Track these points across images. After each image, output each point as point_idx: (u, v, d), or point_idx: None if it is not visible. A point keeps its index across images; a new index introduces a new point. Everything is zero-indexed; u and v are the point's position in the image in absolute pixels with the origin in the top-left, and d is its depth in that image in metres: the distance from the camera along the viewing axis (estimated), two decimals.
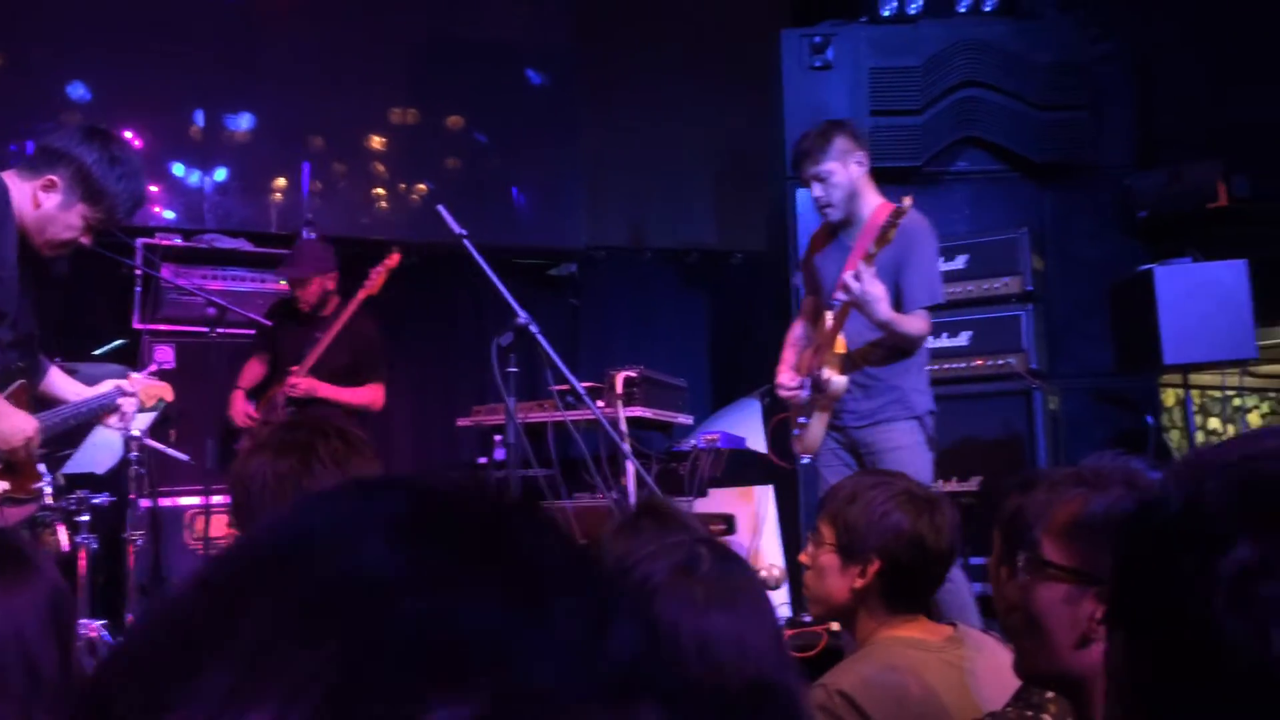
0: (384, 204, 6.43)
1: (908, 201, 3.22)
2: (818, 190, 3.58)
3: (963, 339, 4.71)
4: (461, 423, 4.79)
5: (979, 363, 4.64)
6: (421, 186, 6.45)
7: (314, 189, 6.25)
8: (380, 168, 6.44)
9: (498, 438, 4.64)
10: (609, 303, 6.62)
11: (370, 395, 4.61)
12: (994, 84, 5.48)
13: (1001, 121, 5.50)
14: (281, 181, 6.23)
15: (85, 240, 2.77)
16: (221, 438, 4.61)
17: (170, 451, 3.90)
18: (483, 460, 4.69)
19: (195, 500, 4.67)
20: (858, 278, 3.27)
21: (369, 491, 0.45)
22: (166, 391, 3.15)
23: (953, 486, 4.41)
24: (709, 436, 4.22)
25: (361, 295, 4.58)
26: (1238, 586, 0.70)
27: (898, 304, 3.47)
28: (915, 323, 3.46)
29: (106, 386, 2.99)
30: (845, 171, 3.56)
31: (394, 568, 0.40)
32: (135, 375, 3.13)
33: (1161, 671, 0.74)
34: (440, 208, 3.08)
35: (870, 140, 5.45)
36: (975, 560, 3.83)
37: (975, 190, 5.60)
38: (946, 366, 4.70)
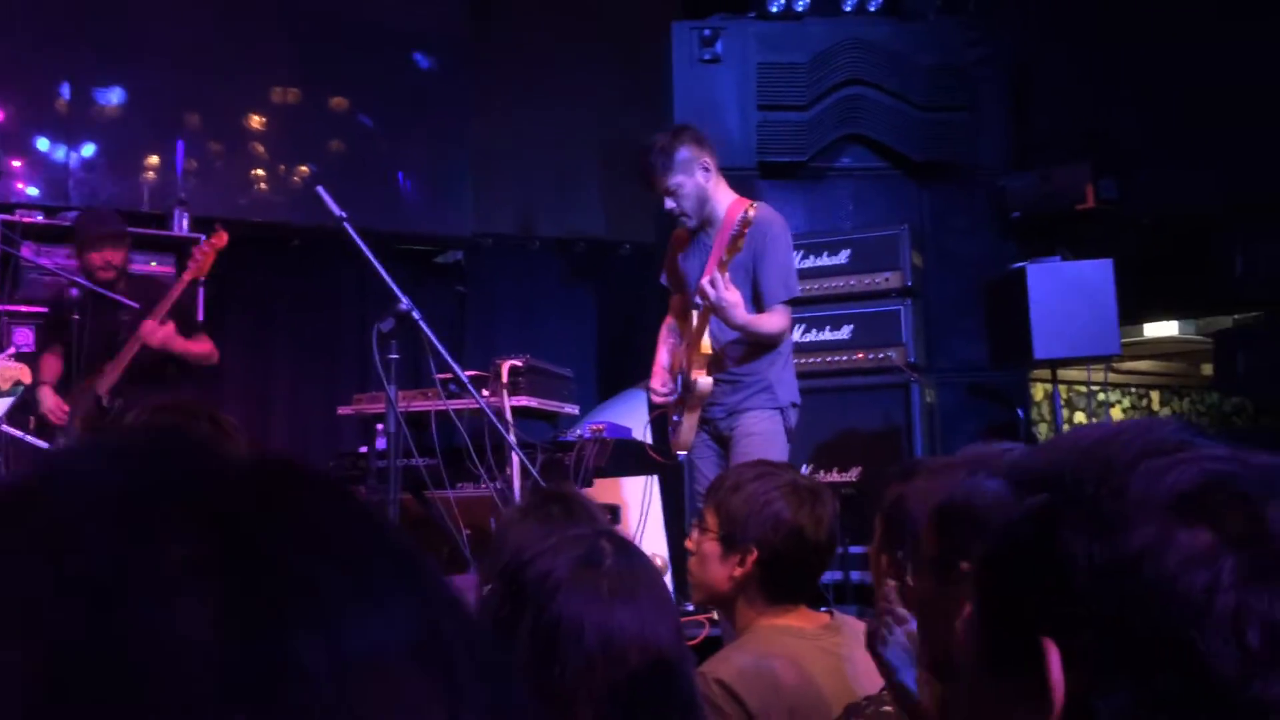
0: (263, 185, 6.24)
1: (753, 211, 3.28)
2: (669, 203, 3.61)
3: (844, 332, 4.81)
4: (342, 411, 4.68)
5: (859, 356, 4.74)
6: (303, 168, 6.28)
7: (189, 168, 6.03)
8: (260, 148, 6.25)
9: (379, 426, 4.55)
10: (496, 291, 6.56)
11: (206, 345, 4.46)
12: (878, 83, 5.60)
13: (884, 120, 5.62)
14: (154, 159, 5.99)
15: None
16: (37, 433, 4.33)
17: (28, 439, 3.71)
18: (364, 449, 4.59)
19: None
20: (713, 285, 3.32)
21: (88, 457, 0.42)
22: (24, 374, 3.00)
23: (833, 477, 4.50)
24: (595, 426, 4.21)
25: (188, 276, 4.38)
26: (1138, 567, 0.71)
27: (758, 299, 3.54)
28: (774, 320, 3.54)
29: None
30: (692, 181, 3.60)
31: (99, 557, 0.36)
32: None
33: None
34: (320, 189, 3.00)
35: (757, 135, 5.55)
36: (855, 549, 3.92)
37: (858, 186, 5.72)
38: (828, 359, 4.79)
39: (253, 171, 6.22)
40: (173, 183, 5.93)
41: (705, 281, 3.37)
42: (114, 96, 5.94)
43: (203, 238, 5.25)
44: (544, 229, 6.66)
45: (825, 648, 2.03)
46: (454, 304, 6.46)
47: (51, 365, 4.44)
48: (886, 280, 4.78)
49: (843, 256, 4.87)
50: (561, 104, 6.59)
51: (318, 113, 6.33)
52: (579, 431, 4.29)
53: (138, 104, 5.96)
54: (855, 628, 2.11)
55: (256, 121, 6.25)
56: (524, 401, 4.16)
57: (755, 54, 5.58)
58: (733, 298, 3.34)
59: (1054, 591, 0.74)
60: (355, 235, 2.89)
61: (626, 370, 6.00)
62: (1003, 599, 0.79)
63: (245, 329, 5.91)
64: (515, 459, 3.60)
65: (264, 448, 0.45)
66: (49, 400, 4.30)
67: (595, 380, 6.43)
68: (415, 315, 2.78)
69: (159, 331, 4.25)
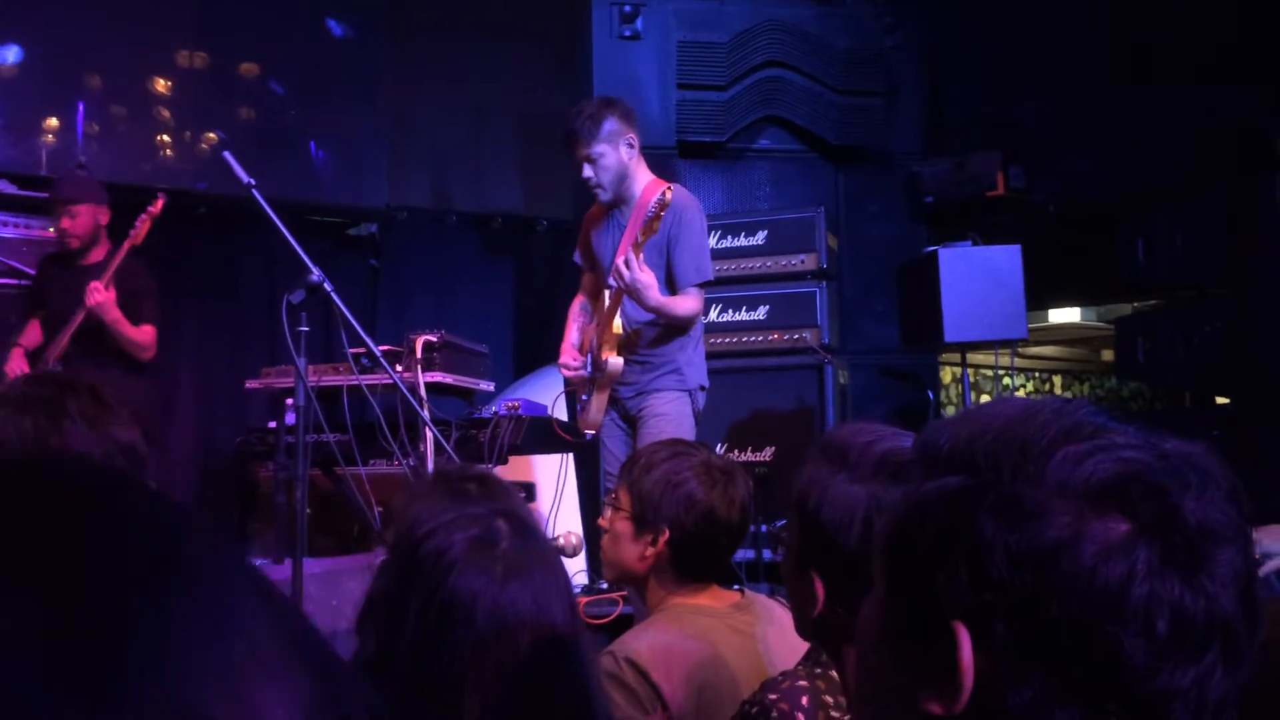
0: (168, 151, 6.04)
1: (670, 194, 3.27)
2: (587, 171, 3.59)
3: (760, 313, 4.84)
4: (250, 385, 4.58)
5: (774, 337, 4.77)
6: (211, 135, 6.09)
7: (90, 131, 5.81)
8: (165, 113, 6.05)
9: (289, 401, 4.46)
10: (410, 265, 6.46)
11: (148, 335, 4.35)
12: (796, 65, 5.63)
13: (802, 103, 5.66)
14: (53, 122, 5.76)
15: None
16: None
17: None
18: (272, 424, 4.50)
19: None
20: (628, 265, 3.32)
21: None
22: None
23: (747, 457, 4.53)
24: (510, 403, 4.18)
25: (127, 245, 4.28)
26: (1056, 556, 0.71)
27: (671, 281, 3.55)
28: (686, 303, 3.54)
29: None
30: (615, 154, 3.58)
31: None
32: None
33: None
34: (227, 155, 2.90)
35: (676, 114, 5.55)
36: (766, 528, 3.96)
37: (775, 168, 5.75)
38: (744, 339, 4.82)
39: (158, 137, 6.02)
40: (73, 146, 5.71)
41: (620, 261, 3.35)
42: (9, 55, 5.69)
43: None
44: (460, 203, 6.57)
45: (736, 626, 2.04)
46: (367, 277, 6.35)
47: (32, 331, 4.41)
48: (802, 262, 4.82)
49: (759, 238, 4.89)
50: (479, 77, 6.49)
51: (226, 78, 6.14)
52: (494, 408, 4.26)
53: (35, 64, 5.72)
54: (766, 606, 2.13)
55: (162, 85, 6.04)
56: (438, 377, 4.12)
57: (675, 32, 5.56)
58: (647, 279, 3.34)
59: (967, 577, 0.74)
60: (264, 203, 2.81)
61: (542, 348, 5.97)
62: (912, 579, 0.79)
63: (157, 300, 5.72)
64: (429, 435, 3.56)
65: (150, 422, 0.43)
66: (14, 361, 4.29)
67: (511, 357, 6.38)
68: (327, 287, 2.72)
69: (99, 294, 4.13)
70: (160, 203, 4.32)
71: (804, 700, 1.45)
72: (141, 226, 4.29)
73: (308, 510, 3.00)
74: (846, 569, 1.27)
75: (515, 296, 6.70)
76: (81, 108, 5.79)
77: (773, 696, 1.48)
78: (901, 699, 0.81)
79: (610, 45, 5.53)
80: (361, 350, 3.02)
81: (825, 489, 1.31)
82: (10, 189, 5.02)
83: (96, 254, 4.40)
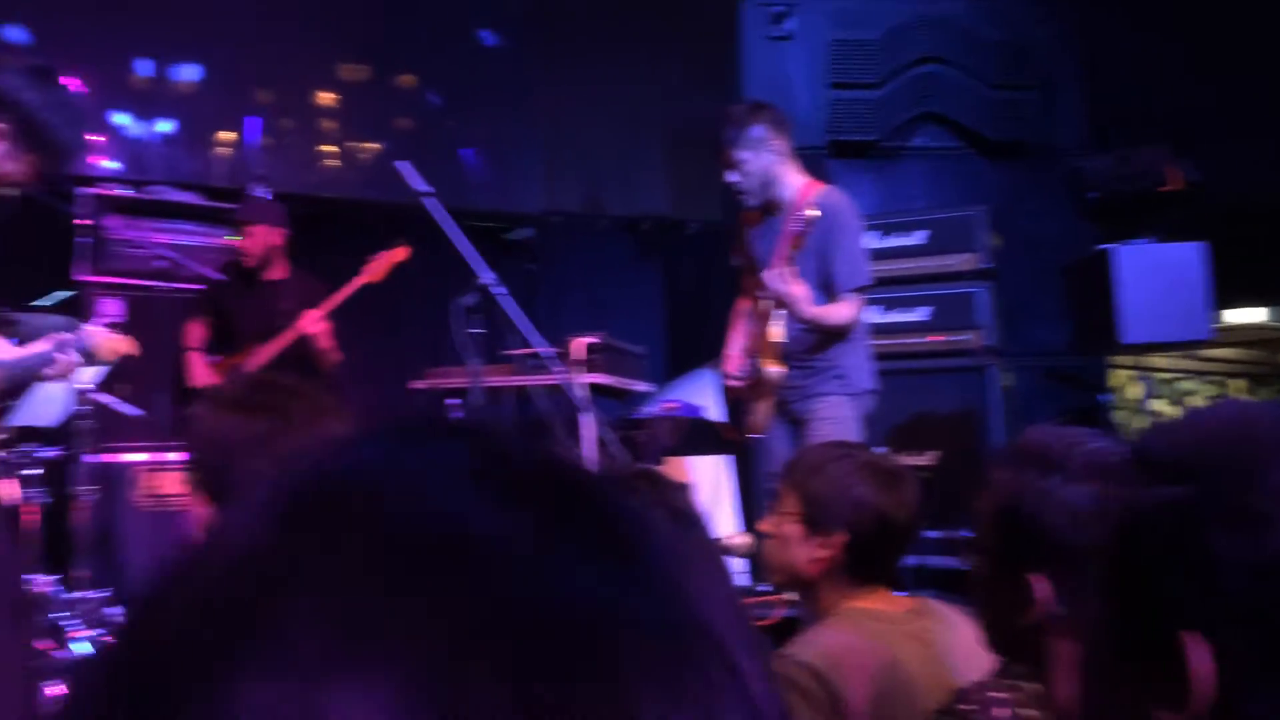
0: (333, 161, 6.31)
1: (813, 212, 3.25)
2: (732, 176, 3.60)
3: (920, 314, 4.75)
4: (415, 385, 4.73)
5: (936, 338, 4.68)
6: (372, 145, 6.33)
7: (263, 144, 6.12)
8: (329, 124, 6.31)
9: (452, 401, 4.59)
10: (565, 269, 6.56)
11: (338, 353, 4.54)
12: (951, 60, 5.51)
13: (958, 98, 5.54)
14: (228, 135, 6.08)
15: (27, 182, 2.72)
16: (174, 397, 4.49)
17: (122, 406, 3.79)
18: None
19: (144, 457, 4.56)
20: (780, 279, 3.30)
21: (423, 437, 0.40)
22: (128, 345, 3.08)
23: (909, 460, 4.45)
24: (668, 404, 4.21)
25: (360, 281, 4.47)
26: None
27: (829, 286, 3.51)
28: (843, 310, 3.50)
29: (43, 345, 2.91)
30: (758, 160, 3.57)
31: (487, 523, 0.34)
32: (91, 328, 3.04)
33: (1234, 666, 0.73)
34: (400, 165, 3.02)
35: (829, 113, 5.49)
36: (930, 534, 3.88)
37: (932, 166, 5.64)
38: (904, 341, 4.73)
39: (322, 147, 6.29)
40: (246, 158, 6.02)
41: (771, 275, 3.35)
42: (190, 73, 6.03)
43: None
44: (612, 207, 6.65)
45: (913, 632, 2.01)
46: (524, 281, 6.48)
47: (197, 332, 4.59)
48: (963, 261, 4.71)
49: (919, 237, 4.80)
50: (629, 80, 6.56)
51: (386, 90, 6.38)
52: (652, 409, 4.30)
53: (212, 81, 6.04)
54: (945, 612, 2.09)
55: (326, 98, 6.31)
56: (598, 378, 4.17)
57: (827, 31, 5.51)
58: (798, 292, 3.32)
59: (1198, 587, 0.72)
60: (436, 210, 2.90)
61: (694, 349, 5.98)
62: (1137, 589, 0.78)
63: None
64: (590, 435, 3.61)
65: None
66: (198, 366, 4.43)
67: (663, 359, 6.42)
68: (497, 291, 2.79)
69: (319, 325, 4.34)
70: (405, 250, 4.48)
71: (1003, 713, 1.42)
72: (379, 267, 4.46)
73: None
74: (1072, 570, 1.24)
75: (666, 298, 6.74)
76: (254, 122, 6.11)
77: (970, 707, 1.45)
78: (1130, 709, 0.79)
79: (761, 46, 5.52)
80: (528, 351, 3.09)
81: (1042, 493, 1.28)
82: (195, 200, 5.30)
83: (277, 271, 4.59)
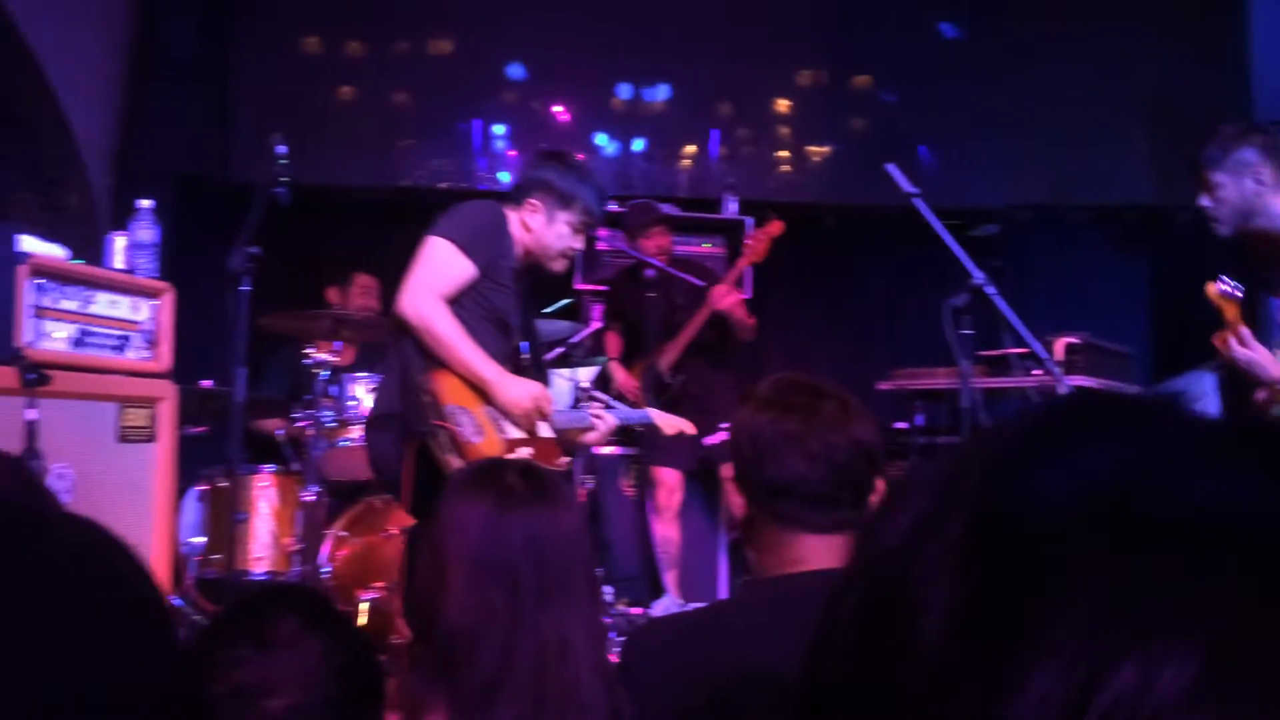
0: (787, 167, 6.45)
1: None
2: (1204, 200, 3.18)
3: None
4: (881, 386, 4.71)
5: None
6: (824, 149, 6.40)
7: (722, 154, 6.40)
8: (785, 131, 6.46)
9: (917, 403, 4.53)
10: (1032, 265, 6.23)
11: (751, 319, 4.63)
12: None
13: None
14: (691, 149, 6.42)
15: (578, 244, 3.13)
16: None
17: (616, 405, 4.08)
18: (902, 425, 4.59)
19: (631, 451, 4.91)
20: (1240, 341, 2.91)
21: (1120, 423, 0.40)
22: (687, 427, 3.54)
23: None
24: None
25: (743, 262, 4.57)
26: None
27: None
28: None
29: (606, 420, 3.27)
30: (1236, 187, 3.12)
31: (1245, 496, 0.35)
32: (655, 412, 3.53)
33: None
34: (890, 167, 3.01)
35: None
36: None
37: None
38: None
39: (777, 153, 6.45)
40: (708, 169, 6.32)
41: (1227, 340, 3.00)
42: (659, 93, 6.44)
43: (749, 221, 5.56)
44: (1085, 196, 6.22)
45: None
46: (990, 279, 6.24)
47: (614, 342, 4.92)
48: None
49: None
50: (1104, 61, 6.10)
51: (840, 93, 6.42)
52: None
53: (680, 99, 6.41)
54: None
55: (782, 105, 6.47)
56: (1081, 381, 3.92)
57: None
58: (1254, 355, 2.94)
59: None
60: (926, 210, 2.86)
61: (1184, 349, 5.43)
62: None
63: (782, 308, 6.11)
64: None
65: None
66: (619, 375, 4.78)
67: (1148, 360, 5.91)
68: (989, 291, 2.70)
69: (730, 296, 4.52)
70: (779, 224, 4.56)
71: None
72: (759, 245, 4.55)
73: None
74: None
75: (1151, 295, 6.19)
76: (715, 134, 6.40)
77: None
78: None
79: (1274, 20, 4.90)
80: (1020, 351, 2.95)
81: None
82: (674, 211, 5.65)
83: (667, 271, 4.72)
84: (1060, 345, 3.99)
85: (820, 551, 1.52)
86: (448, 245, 2.90)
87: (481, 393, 2.89)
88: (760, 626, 1.48)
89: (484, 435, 2.85)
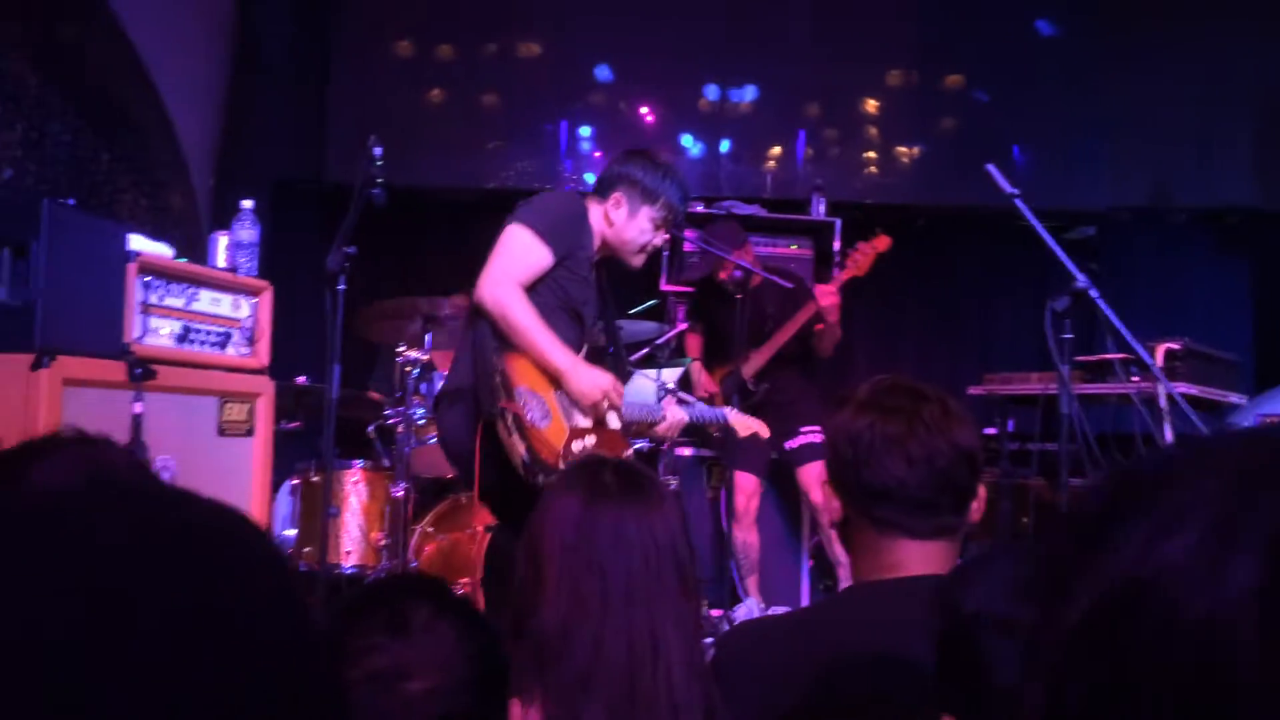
0: (875, 168, 6.37)
1: None
2: None
3: None
4: (973, 391, 4.62)
5: None
6: (913, 150, 6.30)
7: (808, 155, 6.34)
8: (873, 131, 6.38)
9: (1009, 408, 4.44)
10: (1131, 268, 6.06)
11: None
12: None
13: None
14: (777, 150, 6.38)
15: (658, 240, 3.12)
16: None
17: (702, 407, 4.08)
18: (991, 431, 4.50)
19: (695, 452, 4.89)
20: None
21: None
22: (761, 429, 3.61)
23: None
24: (1268, 416, 3.72)
25: (845, 276, 4.45)
26: None
27: None
28: None
29: (679, 412, 3.36)
30: None
31: None
32: (732, 412, 3.57)
33: None
34: (990, 168, 2.96)
35: None
36: None
37: None
38: None
39: (865, 154, 6.38)
40: (794, 170, 6.27)
41: None
42: (746, 94, 6.41)
43: (838, 221, 5.50)
44: (1186, 198, 6.03)
45: None
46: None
47: (695, 343, 4.90)
48: None
49: None
50: (1207, 58, 5.90)
51: (931, 93, 6.32)
52: (1248, 423, 3.82)
53: (766, 100, 6.37)
54: None
55: (871, 106, 6.39)
56: (1183, 388, 3.79)
57: None
58: None
59: None
60: (1028, 212, 2.80)
61: None
62: None
63: (869, 311, 6.03)
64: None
65: None
66: (701, 378, 4.76)
67: (1252, 367, 5.70)
68: (1093, 294, 2.63)
69: (832, 296, 4.42)
70: (886, 239, 4.44)
71: None
72: (864, 260, 4.42)
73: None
74: None
75: (1257, 299, 5.97)
76: (802, 134, 6.35)
77: None
78: None
79: None
80: (1123, 356, 2.87)
81: None
82: (760, 212, 5.61)
83: (756, 279, 4.65)
84: (1161, 351, 3.87)
85: (919, 557, 1.49)
86: (527, 233, 2.91)
87: (554, 379, 2.89)
88: (858, 630, 1.46)
89: (550, 420, 2.84)
